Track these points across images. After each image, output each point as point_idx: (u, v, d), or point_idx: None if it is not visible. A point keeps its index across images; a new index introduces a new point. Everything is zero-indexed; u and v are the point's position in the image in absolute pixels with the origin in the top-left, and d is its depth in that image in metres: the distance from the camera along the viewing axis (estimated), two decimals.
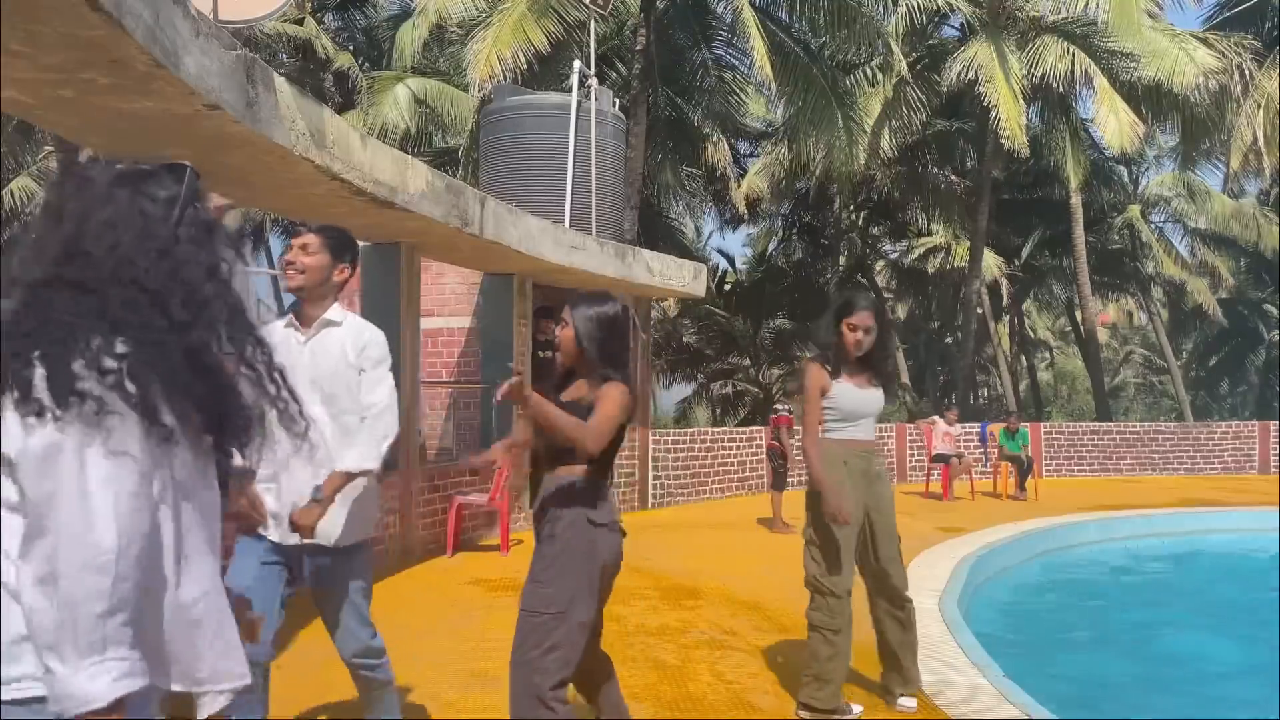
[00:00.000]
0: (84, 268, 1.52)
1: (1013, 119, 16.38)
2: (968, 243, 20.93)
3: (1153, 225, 25.64)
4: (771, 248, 27.24)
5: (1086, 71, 17.03)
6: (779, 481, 10.32)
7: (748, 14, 14.39)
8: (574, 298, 3.31)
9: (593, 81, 11.62)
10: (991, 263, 23.01)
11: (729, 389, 25.92)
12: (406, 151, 17.22)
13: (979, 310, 23.07)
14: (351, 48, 22.25)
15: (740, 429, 14.76)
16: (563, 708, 3.03)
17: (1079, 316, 25.55)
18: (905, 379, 27.77)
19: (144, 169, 1.64)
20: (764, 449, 12.22)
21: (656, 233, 20.48)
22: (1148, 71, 17.43)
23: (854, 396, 4.29)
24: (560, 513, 3.14)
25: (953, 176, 22.83)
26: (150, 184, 1.61)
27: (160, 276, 1.54)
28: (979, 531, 9.74)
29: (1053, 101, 18.57)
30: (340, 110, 17.86)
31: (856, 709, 4.27)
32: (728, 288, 26.61)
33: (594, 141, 11.24)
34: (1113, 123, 16.76)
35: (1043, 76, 17.26)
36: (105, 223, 1.54)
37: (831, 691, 4.17)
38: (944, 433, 13.74)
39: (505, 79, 13.26)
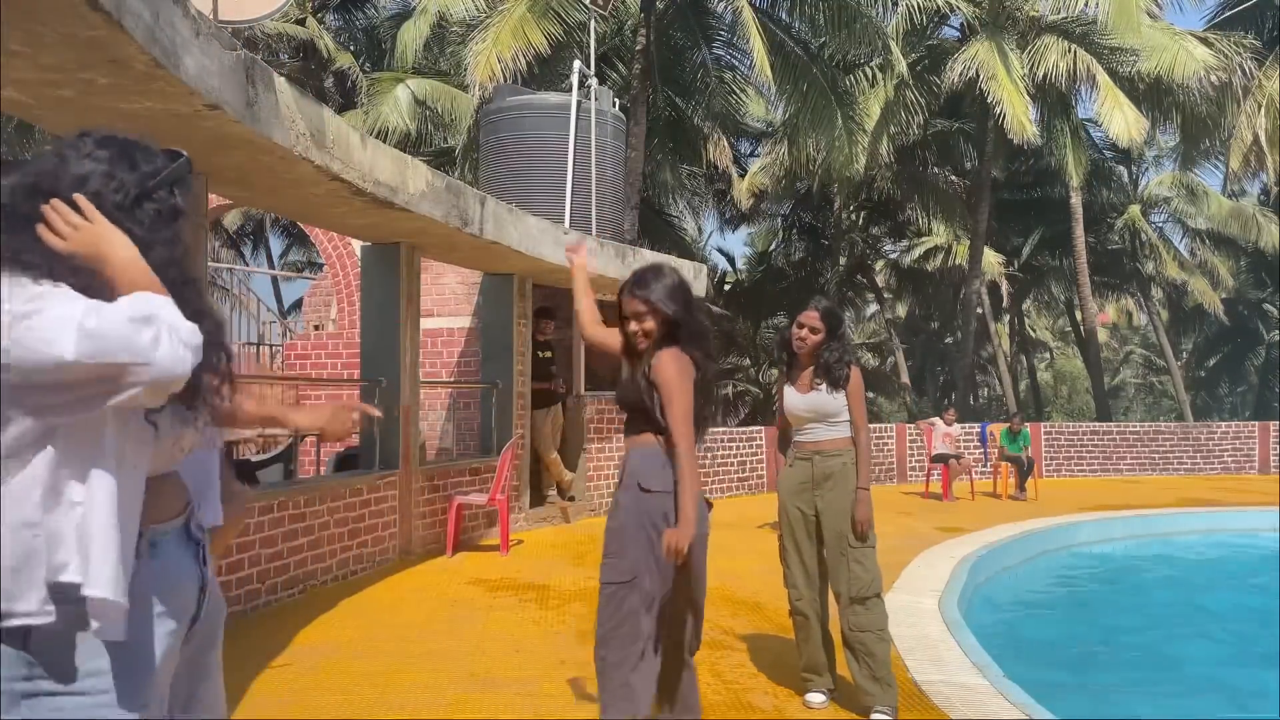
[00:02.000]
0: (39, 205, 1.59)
1: (1019, 112, 16.36)
2: (968, 243, 20.94)
3: (1153, 225, 25.64)
4: (772, 247, 27.26)
5: (1089, 69, 17.03)
6: None
7: (748, 14, 14.39)
8: (638, 280, 3.27)
9: (593, 81, 11.62)
10: (992, 262, 23.02)
11: (729, 389, 25.93)
12: (407, 152, 17.24)
13: (979, 310, 23.07)
14: (352, 48, 22.26)
15: (740, 429, 14.76)
16: (642, 689, 3.06)
17: (1079, 316, 25.55)
18: (905, 379, 27.79)
19: (140, 141, 1.72)
20: (765, 449, 12.21)
21: (657, 233, 20.48)
22: (1148, 69, 17.44)
23: (791, 400, 4.34)
24: (622, 484, 3.27)
25: (953, 176, 22.84)
26: (137, 153, 1.68)
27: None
28: (979, 531, 9.74)
29: (1053, 101, 18.57)
30: (340, 110, 17.88)
31: (816, 698, 4.29)
32: (728, 288, 26.62)
33: (594, 141, 11.23)
34: (1119, 117, 16.74)
35: (1044, 76, 17.27)
36: (77, 176, 1.63)
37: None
38: (944, 433, 13.74)
39: (505, 79, 13.26)
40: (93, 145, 1.66)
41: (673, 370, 3.15)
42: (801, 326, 4.26)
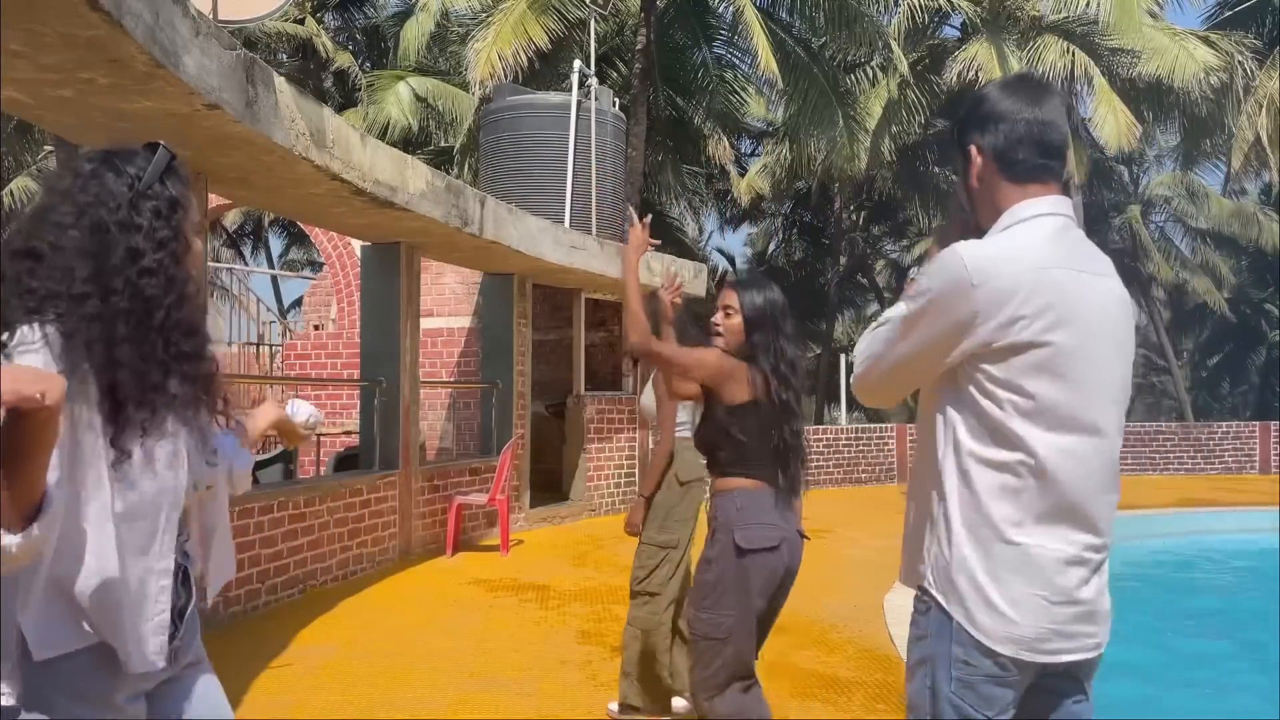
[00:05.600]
0: (38, 238, 1.63)
1: None
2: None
3: (1153, 225, 25.63)
4: (772, 247, 27.24)
5: (1086, 71, 17.03)
6: None
7: (750, 13, 14.38)
8: (742, 282, 3.24)
9: (593, 81, 11.62)
10: None
11: None
12: (408, 149, 17.25)
13: None
14: (351, 47, 22.25)
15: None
16: (723, 706, 3.03)
17: None
18: None
19: (119, 148, 1.73)
20: None
21: (657, 232, 20.38)
22: (1148, 68, 17.42)
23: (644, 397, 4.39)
24: (714, 536, 3.06)
25: (953, 176, 22.77)
26: (119, 160, 1.69)
27: (85, 246, 1.61)
28: None
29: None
30: (340, 110, 17.87)
31: (678, 703, 4.15)
32: None
33: (594, 141, 11.23)
34: (1111, 122, 16.75)
35: (1043, 76, 17.25)
36: (62, 192, 1.65)
37: (632, 687, 4.08)
38: None
39: (505, 78, 13.25)
40: (70, 174, 1.68)
41: (714, 356, 3.09)
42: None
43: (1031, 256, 1.69)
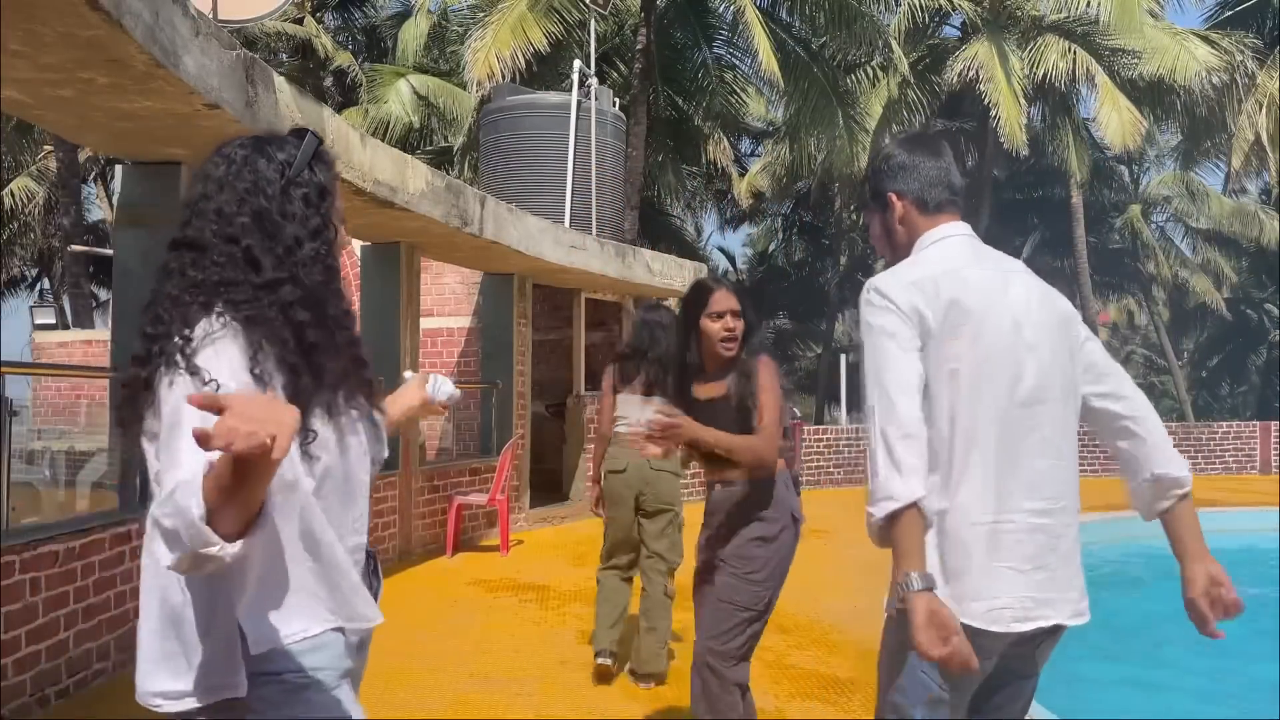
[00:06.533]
0: (198, 228, 1.60)
1: (1012, 118, 16.37)
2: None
3: (1153, 224, 25.63)
4: (772, 247, 27.26)
5: (1088, 70, 17.02)
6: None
7: (750, 13, 14.38)
8: (739, 291, 3.25)
9: (593, 81, 11.62)
10: None
11: None
12: (409, 147, 17.24)
13: None
14: (351, 47, 22.25)
15: None
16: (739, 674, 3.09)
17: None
18: None
19: (270, 134, 1.70)
20: None
21: (657, 232, 20.48)
22: (1149, 69, 17.42)
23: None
24: (765, 514, 3.10)
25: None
26: (270, 147, 1.66)
27: (255, 234, 1.59)
28: None
29: (1054, 101, 18.56)
30: (340, 109, 17.87)
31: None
32: None
33: (594, 141, 11.23)
34: (1115, 120, 16.75)
35: (1044, 76, 17.25)
36: (217, 181, 1.62)
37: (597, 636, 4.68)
38: None
39: (505, 78, 13.25)
40: (224, 161, 1.64)
41: (771, 373, 3.14)
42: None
43: (943, 262, 1.98)
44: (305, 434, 1.54)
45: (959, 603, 1.82)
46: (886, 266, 2.11)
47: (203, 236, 1.58)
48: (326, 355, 1.60)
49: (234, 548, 1.28)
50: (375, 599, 1.69)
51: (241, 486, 1.25)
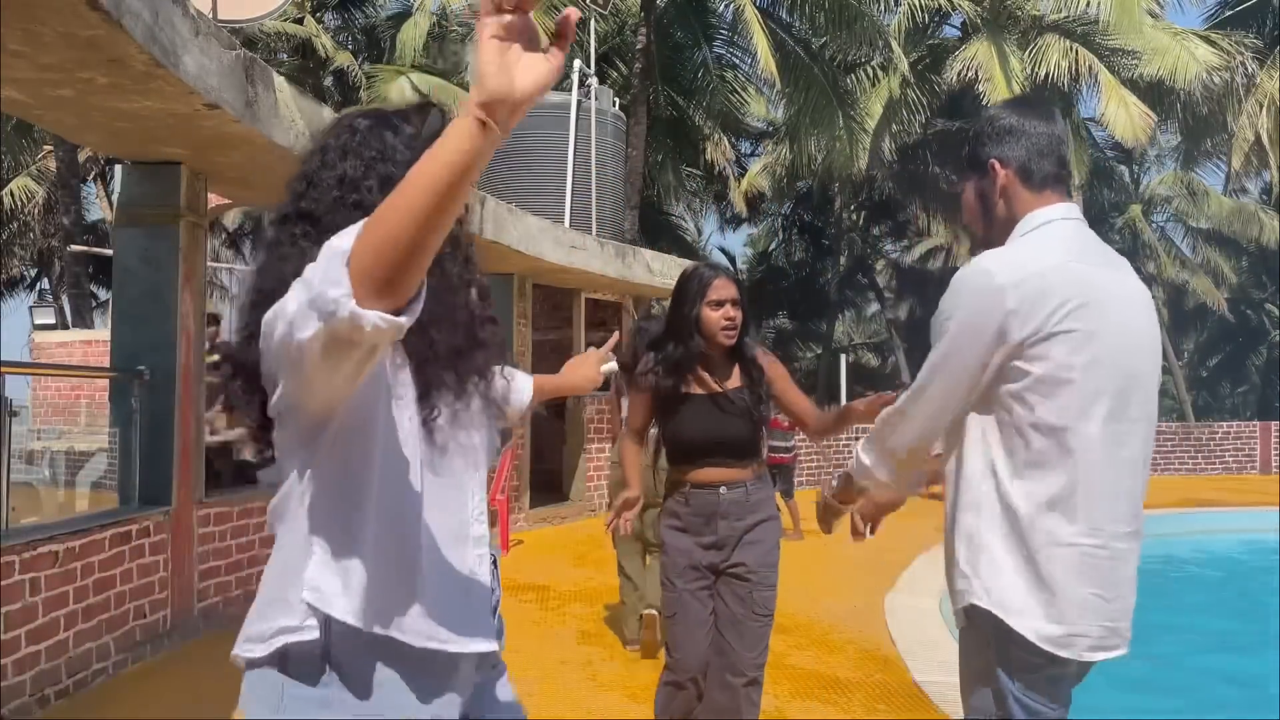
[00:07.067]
0: (316, 198, 1.51)
1: None
2: (968, 243, 20.93)
3: (1154, 224, 25.62)
4: (772, 247, 27.25)
5: (1091, 68, 17.00)
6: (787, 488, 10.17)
7: (750, 13, 14.38)
8: (726, 271, 3.25)
9: (593, 81, 11.62)
10: None
11: None
12: None
13: None
14: (351, 47, 22.24)
15: None
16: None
17: None
18: (906, 379, 27.80)
19: (394, 108, 1.63)
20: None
21: (657, 232, 20.48)
22: (1149, 69, 17.41)
23: None
24: (766, 515, 3.16)
25: (954, 176, 22.83)
26: (396, 119, 1.59)
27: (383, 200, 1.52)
28: None
29: (1054, 101, 18.55)
30: (339, 109, 17.85)
31: None
32: None
33: (594, 141, 11.23)
34: (1123, 115, 16.68)
35: (1045, 75, 17.25)
36: (340, 149, 1.53)
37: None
38: None
39: None
40: (347, 130, 1.56)
41: (782, 367, 3.26)
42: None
43: (1055, 254, 1.80)
44: (428, 410, 1.47)
45: (1033, 619, 1.75)
46: (977, 243, 1.96)
47: (320, 207, 1.49)
48: (453, 329, 1.51)
49: (399, 320, 1.18)
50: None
51: (430, 222, 1.17)
